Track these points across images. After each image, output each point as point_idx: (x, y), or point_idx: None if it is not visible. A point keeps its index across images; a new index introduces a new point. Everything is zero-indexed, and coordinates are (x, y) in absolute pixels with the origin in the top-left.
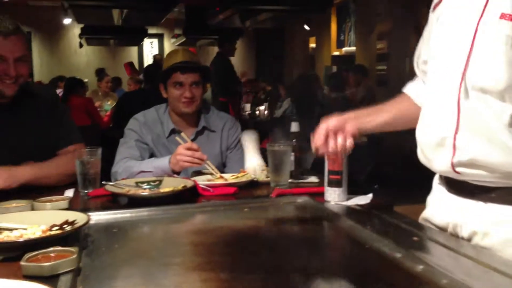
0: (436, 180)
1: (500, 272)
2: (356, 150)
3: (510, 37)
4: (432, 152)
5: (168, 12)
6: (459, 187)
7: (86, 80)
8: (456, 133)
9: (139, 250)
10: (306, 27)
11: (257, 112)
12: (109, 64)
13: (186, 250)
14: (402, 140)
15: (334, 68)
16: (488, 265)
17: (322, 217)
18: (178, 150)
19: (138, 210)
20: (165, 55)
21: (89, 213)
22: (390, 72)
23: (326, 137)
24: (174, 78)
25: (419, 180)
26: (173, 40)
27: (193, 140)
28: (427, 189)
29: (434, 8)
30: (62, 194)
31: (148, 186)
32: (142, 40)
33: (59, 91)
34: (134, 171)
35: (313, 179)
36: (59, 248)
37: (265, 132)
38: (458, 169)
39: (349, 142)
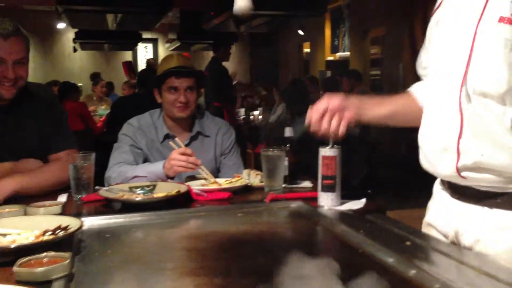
0: (437, 185)
1: (492, 276)
2: (350, 154)
3: (509, 40)
4: (436, 157)
5: (163, 17)
6: (463, 192)
7: (80, 84)
8: (459, 137)
9: (132, 256)
10: (301, 32)
11: (252, 117)
12: (103, 68)
13: (180, 255)
14: (396, 145)
15: (328, 73)
16: (479, 269)
17: (316, 222)
18: (172, 155)
19: (131, 215)
20: (159, 60)
21: (83, 218)
22: (384, 77)
23: (323, 115)
24: (169, 83)
25: (412, 185)
26: (167, 44)
27: (187, 145)
28: (421, 193)
29: (434, 12)
30: (55, 199)
31: (142, 191)
32: (137, 45)
33: None
34: (128, 176)
35: (307, 184)
36: (52, 253)
37: (259, 137)
38: (463, 173)
39: (342, 129)
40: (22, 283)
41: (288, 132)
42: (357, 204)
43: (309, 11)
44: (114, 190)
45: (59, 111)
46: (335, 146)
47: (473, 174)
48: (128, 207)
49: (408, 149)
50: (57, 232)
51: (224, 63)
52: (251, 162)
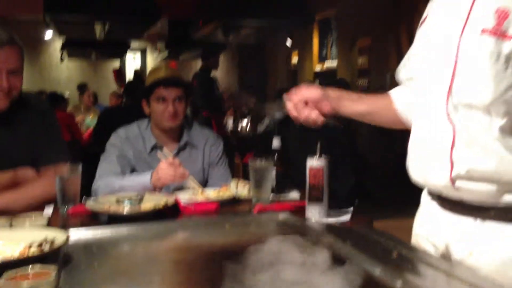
0: (425, 196)
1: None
2: (338, 166)
3: (493, 52)
4: (429, 168)
5: (151, 26)
6: (454, 205)
7: (67, 93)
8: (452, 147)
9: (119, 269)
10: (289, 42)
11: (240, 127)
12: (90, 78)
13: (167, 267)
14: (383, 155)
15: (317, 82)
16: (467, 281)
17: (303, 233)
18: (159, 166)
19: (118, 228)
20: (147, 69)
21: (69, 231)
22: (372, 86)
23: (299, 103)
24: (157, 93)
25: (399, 195)
26: (156, 54)
27: (175, 155)
28: (408, 203)
29: (420, 25)
30: (41, 210)
31: (129, 203)
32: (124, 54)
33: None
34: (115, 187)
35: (294, 194)
36: (38, 266)
37: (247, 147)
38: (457, 183)
39: (320, 120)
40: None
41: (276, 142)
42: (345, 215)
43: (297, 21)
44: (101, 202)
45: (53, 122)
46: (322, 157)
47: (467, 184)
48: (115, 219)
49: (394, 159)
50: (43, 245)
51: (213, 73)
52: (239, 172)
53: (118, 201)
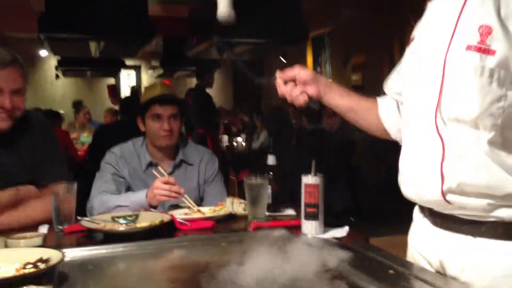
0: (417, 213)
1: None
2: (333, 183)
3: (478, 66)
4: (420, 183)
5: (145, 45)
6: (446, 220)
7: (62, 112)
8: (442, 161)
9: (115, 287)
10: (283, 59)
11: (235, 144)
12: (86, 95)
13: (163, 286)
14: (378, 171)
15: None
16: None
17: (299, 250)
18: (155, 184)
19: (114, 246)
20: (142, 87)
21: (64, 250)
22: None
23: (290, 80)
24: (153, 111)
25: (395, 211)
26: (150, 71)
27: (170, 173)
28: (404, 219)
29: (408, 44)
30: (36, 230)
31: (124, 221)
32: (119, 72)
33: None
34: (110, 205)
35: (290, 211)
36: (33, 287)
37: (243, 164)
38: (448, 197)
39: (304, 100)
40: None
41: (271, 160)
42: (340, 231)
43: (291, 39)
44: (96, 221)
45: (54, 140)
46: (318, 174)
47: (458, 198)
48: (110, 237)
49: (389, 175)
50: (38, 264)
51: (207, 90)
52: (234, 188)
53: (114, 219)
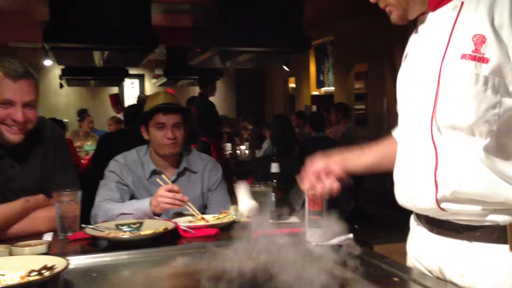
0: (413, 221)
1: None
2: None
3: (473, 74)
4: (414, 191)
5: (149, 54)
6: (442, 227)
7: (66, 120)
8: (436, 169)
9: None
10: (286, 68)
11: (238, 152)
12: (89, 104)
13: None
14: (381, 179)
15: (314, 107)
16: None
17: (303, 257)
18: (158, 192)
19: (118, 254)
20: (145, 95)
21: (68, 258)
22: (369, 111)
23: (314, 179)
24: (156, 119)
25: (398, 219)
26: (153, 80)
27: (174, 181)
28: (407, 227)
29: (404, 59)
30: (40, 238)
31: (128, 229)
32: (123, 81)
33: None
34: (114, 213)
35: (294, 219)
36: None
37: (246, 172)
38: (443, 205)
39: (336, 185)
40: None
41: (274, 167)
42: (344, 239)
43: (293, 48)
44: (100, 228)
45: (65, 151)
46: None
47: (453, 205)
48: (114, 245)
49: (392, 183)
50: (42, 272)
51: (210, 98)
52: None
53: (118, 227)
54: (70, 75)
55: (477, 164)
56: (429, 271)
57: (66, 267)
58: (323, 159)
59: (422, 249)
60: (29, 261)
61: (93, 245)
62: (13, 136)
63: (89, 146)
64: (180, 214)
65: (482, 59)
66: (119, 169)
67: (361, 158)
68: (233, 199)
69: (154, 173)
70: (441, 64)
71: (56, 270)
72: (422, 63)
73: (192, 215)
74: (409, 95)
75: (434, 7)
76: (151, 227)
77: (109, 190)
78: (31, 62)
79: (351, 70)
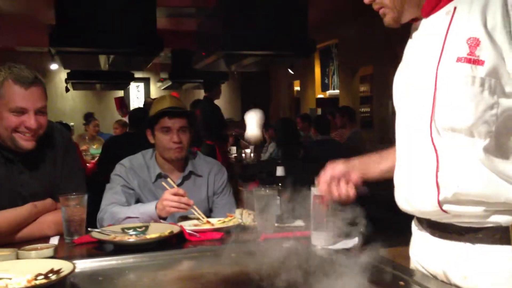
0: (415, 226)
1: None
2: None
3: (469, 76)
4: (416, 194)
5: (154, 58)
6: (444, 230)
7: (72, 124)
8: (437, 171)
9: None
10: (290, 71)
11: (243, 155)
12: (95, 108)
13: None
14: (387, 182)
15: (319, 111)
16: None
17: (309, 261)
18: (164, 196)
19: (124, 257)
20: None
21: (75, 261)
22: (374, 114)
23: (330, 183)
24: (162, 123)
25: (404, 222)
26: (159, 84)
27: (179, 185)
28: (409, 230)
29: (399, 68)
30: (47, 241)
31: (134, 232)
32: (129, 84)
33: None
34: (120, 217)
35: (299, 222)
36: None
37: (252, 176)
38: (445, 207)
39: (351, 191)
40: None
41: (279, 171)
42: (350, 243)
43: (298, 51)
44: (106, 232)
45: (74, 155)
46: None
47: (455, 207)
48: (120, 248)
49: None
50: (49, 275)
51: (215, 101)
52: (243, 199)
53: (124, 231)
54: (76, 79)
55: (477, 165)
56: (434, 276)
57: (72, 271)
58: (343, 164)
59: (425, 253)
60: (35, 264)
61: (99, 248)
62: (26, 143)
63: (95, 149)
64: (185, 218)
65: (477, 62)
66: (125, 173)
67: (377, 165)
68: (239, 203)
69: (160, 176)
70: (437, 68)
71: (62, 274)
72: (418, 68)
73: (198, 219)
74: (406, 100)
75: (428, 13)
76: (157, 230)
77: (115, 194)
78: (37, 66)
79: (356, 73)
